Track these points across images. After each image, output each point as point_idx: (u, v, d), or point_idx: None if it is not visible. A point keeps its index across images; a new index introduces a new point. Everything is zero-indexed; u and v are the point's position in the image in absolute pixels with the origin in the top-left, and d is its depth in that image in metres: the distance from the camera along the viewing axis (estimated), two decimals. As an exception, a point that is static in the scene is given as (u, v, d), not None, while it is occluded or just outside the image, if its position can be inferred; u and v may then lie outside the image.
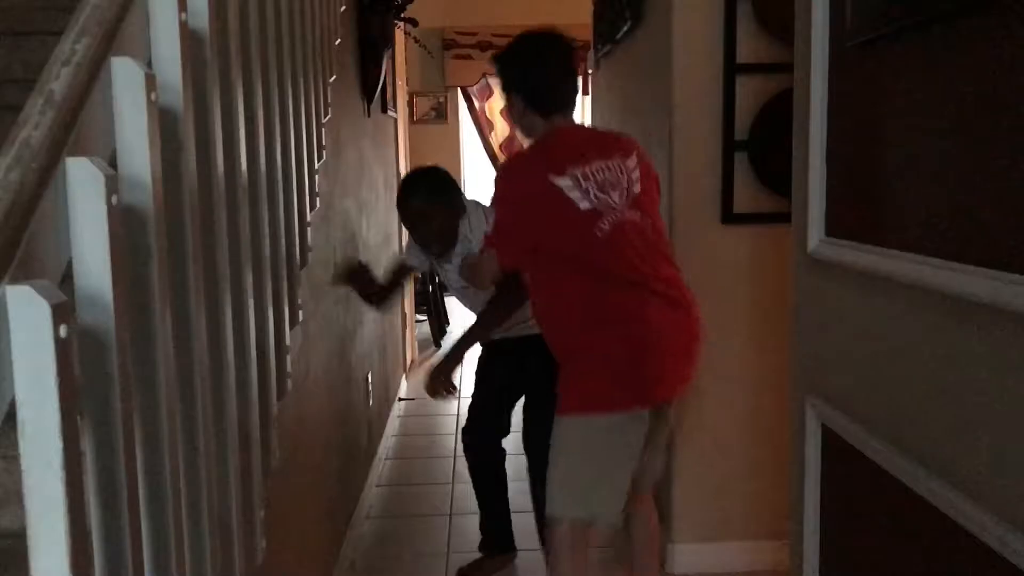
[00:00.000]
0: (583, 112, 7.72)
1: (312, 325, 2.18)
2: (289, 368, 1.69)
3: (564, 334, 1.89)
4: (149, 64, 0.98)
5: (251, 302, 1.35)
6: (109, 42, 0.88)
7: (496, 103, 7.79)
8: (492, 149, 7.79)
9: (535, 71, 1.95)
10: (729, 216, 2.46)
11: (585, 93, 7.57)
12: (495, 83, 7.62)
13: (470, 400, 2.71)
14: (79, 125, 0.81)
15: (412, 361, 5.35)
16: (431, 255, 2.52)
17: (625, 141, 2.02)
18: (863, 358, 1.13)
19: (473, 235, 2.36)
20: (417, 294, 5.84)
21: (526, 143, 1.99)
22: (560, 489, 1.87)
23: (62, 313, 0.67)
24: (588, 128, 2.41)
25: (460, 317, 5.44)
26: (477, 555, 2.78)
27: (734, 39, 2.39)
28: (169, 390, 0.94)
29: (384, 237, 4.17)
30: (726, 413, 2.55)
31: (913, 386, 0.99)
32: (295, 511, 1.95)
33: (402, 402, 4.53)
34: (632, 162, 1.92)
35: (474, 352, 2.57)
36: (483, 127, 7.76)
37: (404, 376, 4.92)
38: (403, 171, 5.18)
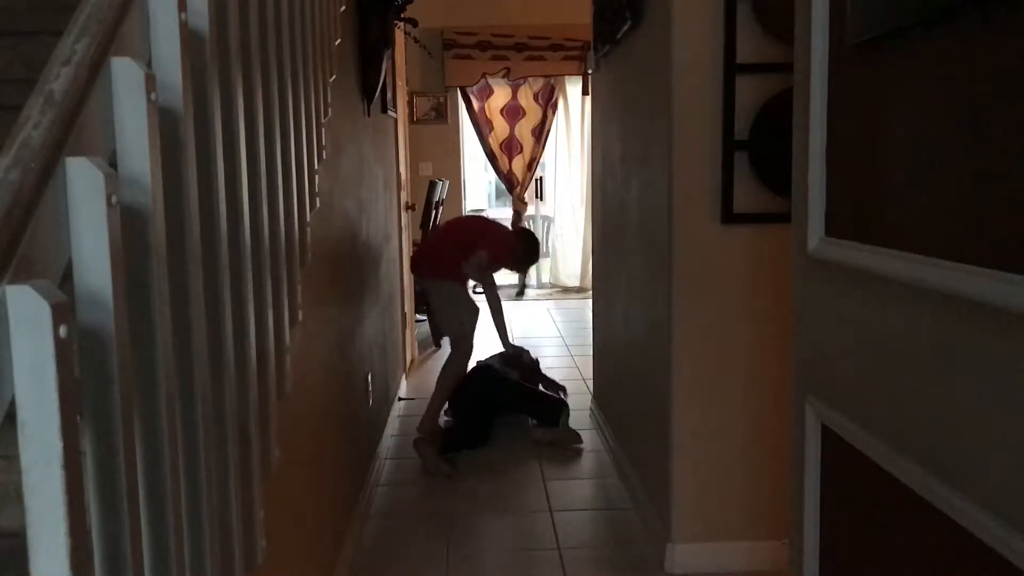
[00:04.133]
0: (583, 112, 7.74)
1: (312, 325, 2.18)
2: (289, 368, 1.69)
3: None
4: (149, 64, 0.98)
5: (251, 302, 1.35)
6: (109, 42, 0.88)
7: (496, 102, 7.80)
8: (491, 149, 7.79)
9: None
10: (729, 216, 2.46)
11: (585, 93, 7.61)
12: (495, 83, 7.65)
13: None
14: (79, 125, 0.81)
15: (412, 361, 5.35)
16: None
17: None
18: (863, 358, 1.13)
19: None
20: (417, 294, 5.83)
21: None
22: None
23: (62, 313, 0.67)
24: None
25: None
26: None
27: (734, 39, 2.38)
28: (169, 390, 0.94)
29: (384, 237, 4.17)
30: (726, 413, 2.55)
31: (913, 386, 0.99)
32: (295, 511, 1.95)
33: (402, 402, 4.53)
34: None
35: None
36: (483, 127, 7.76)
37: (404, 376, 4.92)
38: (403, 171, 5.20)
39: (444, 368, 3.92)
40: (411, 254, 4.41)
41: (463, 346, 3.91)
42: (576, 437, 3.81)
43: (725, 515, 2.59)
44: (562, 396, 4.24)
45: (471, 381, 4.07)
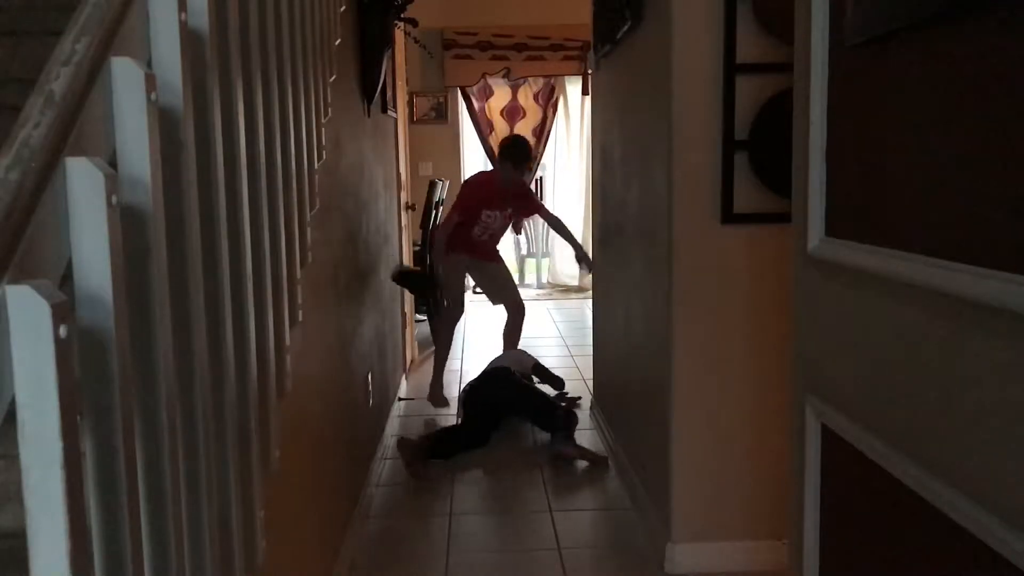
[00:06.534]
0: (583, 112, 7.74)
1: (312, 325, 2.18)
2: (289, 368, 1.69)
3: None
4: (149, 64, 0.98)
5: (251, 302, 1.35)
6: (109, 42, 0.88)
7: (496, 103, 7.80)
8: (492, 149, 7.78)
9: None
10: (729, 216, 2.46)
11: (585, 93, 7.61)
12: (495, 83, 7.65)
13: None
14: (79, 125, 0.81)
15: (412, 361, 5.35)
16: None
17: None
18: (863, 358, 1.13)
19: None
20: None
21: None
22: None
23: (62, 313, 0.67)
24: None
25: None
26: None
27: (734, 39, 2.39)
28: (169, 390, 0.94)
29: (384, 237, 4.17)
30: (726, 413, 2.56)
31: (913, 386, 0.99)
32: (295, 511, 1.95)
33: (402, 402, 4.53)
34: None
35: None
36: (483, 127, 7.76)
37: (404, 376, 4.92)
38: (403, 171, 5.20)
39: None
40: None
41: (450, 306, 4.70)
42: (601, 459, 3.57)
43: (725, 515, 2.59)
44: (565, 398, 4.25)
45: (485, 382, 4.00)
